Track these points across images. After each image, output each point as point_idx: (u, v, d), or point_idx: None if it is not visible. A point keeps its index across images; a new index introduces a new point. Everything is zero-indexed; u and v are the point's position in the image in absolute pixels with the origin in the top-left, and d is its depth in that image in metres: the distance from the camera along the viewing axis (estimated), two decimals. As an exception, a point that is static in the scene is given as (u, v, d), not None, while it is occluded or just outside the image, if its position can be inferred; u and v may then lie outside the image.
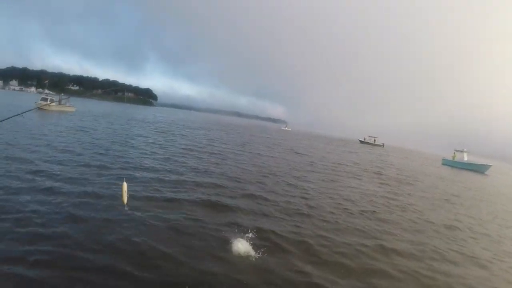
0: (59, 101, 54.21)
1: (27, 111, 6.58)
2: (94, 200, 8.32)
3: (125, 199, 2.69)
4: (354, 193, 14.60)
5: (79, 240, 6.01)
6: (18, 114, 6.03)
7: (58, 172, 10.67)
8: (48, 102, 50.98)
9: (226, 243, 6.65)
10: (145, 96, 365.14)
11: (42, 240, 5.84)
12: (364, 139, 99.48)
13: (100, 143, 18.92)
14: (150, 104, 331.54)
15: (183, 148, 21.94)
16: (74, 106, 57.09)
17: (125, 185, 2.54)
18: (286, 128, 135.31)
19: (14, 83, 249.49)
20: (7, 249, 5.40)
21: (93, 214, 7.37)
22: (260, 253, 6.45)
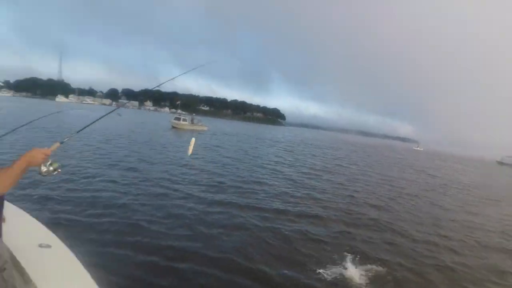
0: (192, 121, 61.90)
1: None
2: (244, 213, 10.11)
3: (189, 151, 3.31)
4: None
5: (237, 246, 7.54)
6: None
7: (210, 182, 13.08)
8: (181, 121, 59.15)
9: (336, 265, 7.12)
10: (273, 116, 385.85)
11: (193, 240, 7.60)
12: (502, 159, 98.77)
13: (236, 160, 21.77)
14: (279, 123, 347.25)
15: (311, 168, 23.44)
16: (206, 125, 65.37)
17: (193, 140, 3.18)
18: (418, 148, 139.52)
19: (148, 104, 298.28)
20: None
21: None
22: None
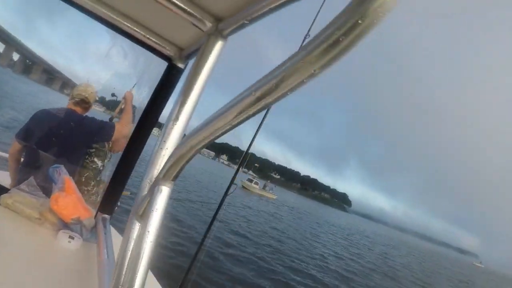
0: (264, 187, 61.97)
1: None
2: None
3: None
4: None
5: None
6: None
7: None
8: (253, 184, 58.51)
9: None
10: (340, 200, 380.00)
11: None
12: None
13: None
14: (343, 209, 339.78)
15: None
16: (276, 194, 62.93)
17: None
18: (479, 265, 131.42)
19: (224, 157, 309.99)
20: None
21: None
22: None
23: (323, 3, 3.89)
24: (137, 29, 1.67)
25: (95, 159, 2.60)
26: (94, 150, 2.60)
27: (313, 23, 3.87)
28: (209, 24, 1.19)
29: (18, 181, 1.77)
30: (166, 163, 0.86)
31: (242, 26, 1.04)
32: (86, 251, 1.60)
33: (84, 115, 2.62)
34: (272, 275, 10.70)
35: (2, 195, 1.61)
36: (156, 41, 1.71)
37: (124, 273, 0.91)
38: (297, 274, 11.74)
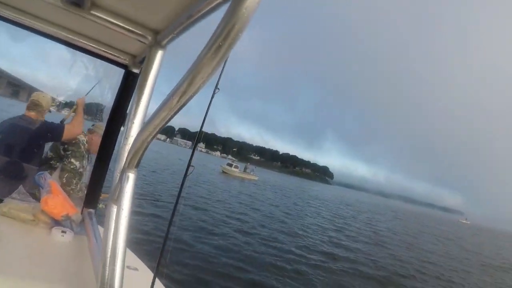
0: (245, 169, 62.37)
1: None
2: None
3: None
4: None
5: None
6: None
7: None
8: (233, 168, 58.64)
9: None
10: (321, 173, 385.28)
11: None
12: None
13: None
14: (326, 182, 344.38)
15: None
16: (257, 175, 63.09)
17: None
18: (465, 221, 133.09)
19: (201, 145, 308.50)
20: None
21: None
22: None
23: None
24: (92, 44, 1.91)
25: (73, 160, 2.87)
26: (70, 152, 2.87)
27: None
28: (149, 37, 1.44)
29: (8, 192, 1.99)
30: (128, 154, 1.11)
31: (177, 35, 1.29)
32: (78, 242, 1.83)
33: (38, 119, 2.91)
34: (256, 256, 10.71)
35: None
36: (111, 52, 1.95)
37: (109, 249, 1.14)
38: (281, 252, 11.77)
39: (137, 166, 1.13)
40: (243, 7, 0.63)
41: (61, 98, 3.44)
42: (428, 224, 54.93)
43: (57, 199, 1.90)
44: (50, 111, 3.08)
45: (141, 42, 1.50)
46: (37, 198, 2.00)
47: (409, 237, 26.71)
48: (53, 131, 2.92)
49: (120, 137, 1.47)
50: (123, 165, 1.18)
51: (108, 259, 1.14)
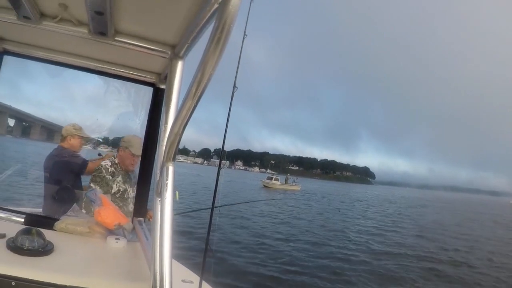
0: (286, 180, 62.62)
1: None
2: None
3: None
4: None
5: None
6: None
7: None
8: (273, 181, 59.10)
9: None
10: (362, 175, 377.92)
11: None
12: None
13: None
14: (368, 182, 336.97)
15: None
16: (299, 185, 62.96)
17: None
18: None
19: (239, 163, 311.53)
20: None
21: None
22: None
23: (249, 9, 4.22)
24: (121, 69, 2.17)
25: (92, 185, 3.25)
26: (92, 177, 3.32)
27: (246, 23, 4.20)
28: (168, 52, 1.66)
29: (63, 211, 2.24)
30: (164, 149, 1.31)
31: (192, 44, 1.51)
32: (131, 247, 2.02)
33: (69, 150, 3.46)
34: (305, 264, 10.56)
35: (55, 223, 2.05)
36: (138, 74, 2.21)
37: (157, 239, 1.29)
38: (331, 260, 11.33)
39: (173, 159, 1.33)
40: (229, 7, 0.83)
41: (95, 135, 3.90)
42: (476, 210, 52.55)
43: (109, 210, 2.11)
44: (85, 143, 3.64)
45: (162, 57, 1.72)
46: (90, 213, 2.22)
47: (458, 227, 25.62)
48: (80, 165, 3.48)
49: (158, 141, 1.72)
50: (162, 160, 1.37)
51: (157, 250, 1.28)
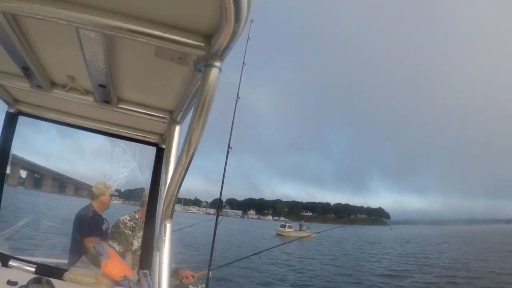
0: (300, 227, 61.89)
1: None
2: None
3: None
4: None
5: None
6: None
7: None
8: (287, 229, 58.07)
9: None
10: (377, 216, 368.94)
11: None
12: None
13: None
14: (383, 223, 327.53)
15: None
16: (314, 231, 61.75)
17: None
18: None
19: (251, 212, 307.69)
20: None
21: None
22: None
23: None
24: (125, 131, 2.41)
25: (110, 242, 3.28)
26: (110, 233, 3.39)
27: (239, 88, 4.60)
28: (166, 117, 1.88)
29: (72, 262, 2.38)
30: (162, 209, 1.48)
31: (187, 111, 1.73)
32: None
33: (93, 210, 3.60)
34: None
35: (65, 273, 2.17)
36: (142, 135, 2.45)
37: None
38: None
39: (171, 216, 1.49)
40: (209, 79, 1.01)
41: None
42: (493, 241, 50.71)
43: (116, 263, 2.25)
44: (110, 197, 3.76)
45: (162, 122, 1.94)
46: (98, 265, 2.35)
47: (477, 261, 24.73)
48: (103, 229, 3.56)
49: (158, 199, 1.91)
50: (160, 218, 1.53)
51: None
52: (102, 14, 0.94)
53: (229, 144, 4.33)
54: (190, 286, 3.11)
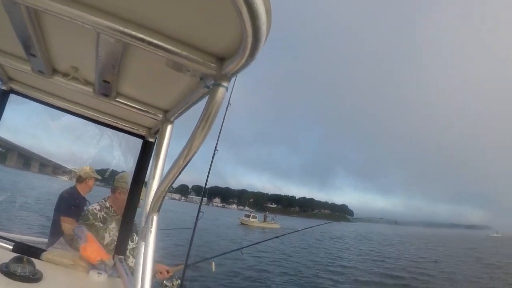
0: (264, 218, 62.15)
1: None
2: None
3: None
4: None
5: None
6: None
7: None
8: (251, 219, 58.76)
9: None
10: (341, 212, 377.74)
11: None
12: None
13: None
14: (346, 219, 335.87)
15: None
16: (278, 223, 62.68)
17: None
18: (496, 235, 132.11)
19: (217, 200, 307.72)
20: None
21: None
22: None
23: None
24: (116, 121, 2.47)
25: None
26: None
27: (231, 94, 4.86)
28: (160, 115, 1.98)
29: (51, 242, 2.43)
30: (151, 201, 1.58)
31: (181, 113, 1.83)
32: (111, 282, 2.19)
33: (77, 193, 3.81)
34: None
35: (43, 254, 2.20)
36: (131, 127, 2.52)
37: (139, 278, 1.50)
38: None
39: (158, 210, 1.59)
40: (217, 94, 1.11)
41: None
42: (461, 246, 52.50)
43: (93, 247, 2.32)
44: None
45: (155, 119, 2.04)
46: (75, 247, 2.42)
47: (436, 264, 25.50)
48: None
49: (142, 194, 1.99)
50: (148, 210, 1.62)
51: (138, 286, 1.50)
52: (125, 25, 1.01)
53: (216, 146, 4.49)
54: (164, 281, 3.00)
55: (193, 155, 1.27)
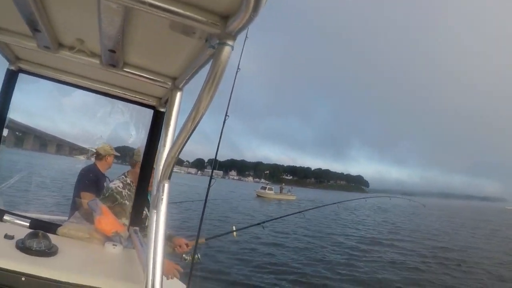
0: (281, 190, 62.58)
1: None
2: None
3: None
4: None
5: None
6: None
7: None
8: (267, 191, 59.40)
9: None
10: (356, 183, 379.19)
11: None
12: None
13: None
14: (362, 190, 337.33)
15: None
16: (294, 194, 62.81)
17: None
18: (511, 207, 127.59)
19: (233, 173, 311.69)
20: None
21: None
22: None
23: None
24: (126, 93, 2.45)
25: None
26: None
27: (240, 59, 4.64)
28: (169, 83, 1.94)
29: (67, 217, 2.45)
30: (162, 169, 1.55)
31: (190, 79, 1.79)
32: (127, 253, 2.22)
33: (97, 169, 3.93)
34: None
35: (58, 228, 2.25)
36: (141, 97, 2.49)
37: (152, 246, 1.50)
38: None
39: (169, 177, 1.57)
40: (223, 53, 1.08)
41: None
42: (467, 217, 52.15)
43: (108, 220, 2.33)
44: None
45: (164, 87, 2.00)
46: (89, 220, 2.44)
47: (449, 238, 24.80)
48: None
49: (155, 164, 1.97)
50: (159, 178, 1.59)
51: (151, 255, 1.49)
52: None
53: (226, 112, 4.41)
54: (183, 255, 3.08)
55: (201, 117, 1.25)
